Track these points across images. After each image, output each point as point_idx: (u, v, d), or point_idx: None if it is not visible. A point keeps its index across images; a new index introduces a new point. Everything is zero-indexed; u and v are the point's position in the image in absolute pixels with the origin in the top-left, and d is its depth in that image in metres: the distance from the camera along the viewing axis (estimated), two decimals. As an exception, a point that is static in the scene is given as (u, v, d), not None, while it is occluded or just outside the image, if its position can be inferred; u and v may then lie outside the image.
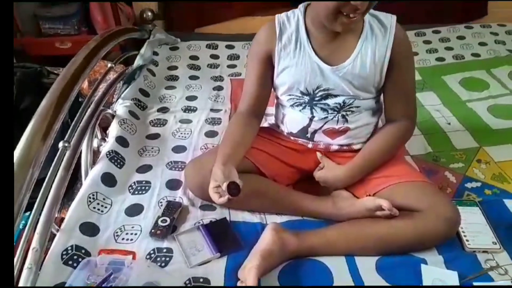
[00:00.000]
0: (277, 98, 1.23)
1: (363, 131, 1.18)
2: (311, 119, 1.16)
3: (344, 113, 1.14)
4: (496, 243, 1.06)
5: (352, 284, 0.96)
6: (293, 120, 1.20)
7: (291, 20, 1.12)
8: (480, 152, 1.44)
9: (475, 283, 0.95)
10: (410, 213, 1.04)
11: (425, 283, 0.94)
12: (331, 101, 1.12)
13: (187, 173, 1.19)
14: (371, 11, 1.07)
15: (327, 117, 1.15)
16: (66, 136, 1.16)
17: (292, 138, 1.23)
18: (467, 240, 1.07)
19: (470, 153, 1.43)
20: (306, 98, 1.14)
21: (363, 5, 0.96)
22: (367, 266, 1.00)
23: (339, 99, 1.12)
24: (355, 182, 1.15)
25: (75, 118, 1.27)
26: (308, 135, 1.19)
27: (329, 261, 1.01)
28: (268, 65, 1.15)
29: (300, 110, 1.16)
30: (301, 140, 1.22)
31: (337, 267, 0.99)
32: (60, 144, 1.09)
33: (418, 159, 1.39)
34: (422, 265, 0.98)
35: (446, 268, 1.00)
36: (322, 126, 1.16)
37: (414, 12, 2.45)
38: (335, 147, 1.20)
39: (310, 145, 1.21)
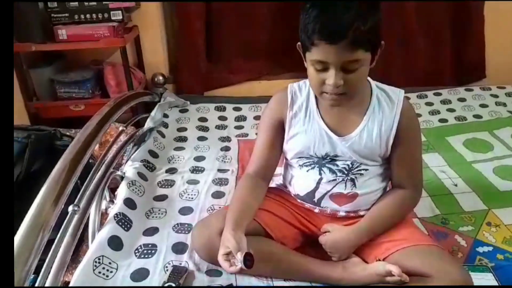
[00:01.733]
0: (286, 159, 1.25)
1: (371, 197, 1.18)
2: (318, 182, 1.17)
3: (353, 176, 1.15)
4: (511, 312, 1.03)
5: None
6: (301, 182, 1.21)
7: (302, 90, 1.18)
8: (489, 214, 1.42)
9: None
10: (420, 278, 1.01)
11: None
12: (339, 162, 1.15)
13: (194, 234, 1.18)
14: (379, 84, 1.13)
15: (335, 179, 1.15)
16: (76, 200, 1.18)
17: (299, 200, 1.24)
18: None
19: (479, 215, 1.42)
20: (315, 159, 1.16)
21: (341, 82, 0.98)
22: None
23: (348, 162, 1.14)
24: (364, 247, 1.14)
25: (86, 182, 1.29)
26: (315, 199, 1.19)
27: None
28: (279, 131, 1.19)
29: (308, 171, 1.18)
30: (308, 204, 1.22)
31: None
32: (70, 208, 1.10)
33: (427, 222, 1.38)
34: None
35: None
36: (330, 190, 1.17)
37: (413, 75, 2.55)
38: (342, 214, 1.20)
39: (316, 210, 1.21)
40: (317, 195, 1.18)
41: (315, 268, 1.13)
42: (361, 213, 1.20)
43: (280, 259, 1.14)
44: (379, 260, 1.09)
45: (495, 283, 1.11)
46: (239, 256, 0.96)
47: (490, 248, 1.28)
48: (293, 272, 1.13)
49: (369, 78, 1.14)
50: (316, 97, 1.15)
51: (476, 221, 1.39)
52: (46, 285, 0.97)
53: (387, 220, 1.16)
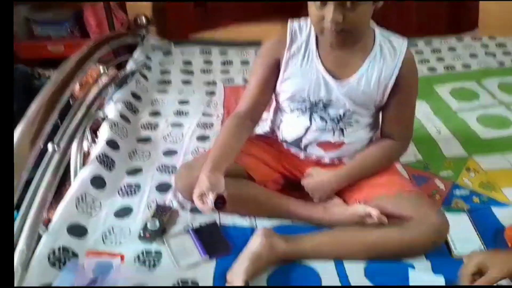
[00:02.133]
0: (277, 102, 1.23)
1: (357, 147, 1.19)
2: (307, 129, 1.16)
3: (342, 126, 1.15)
4: (482, 249, 1.07)
5: (340, 288, 0.96)
6: (290, 127, 1.20)
7: (303, 30, 1.13)
8: (469, 161, 1.45)
9: (462, 289, 0.95)
10: (399, 221, 1.04)
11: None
12: (331, 111, 1.13)
13: (177, 176, 1.18)
14: (384, 32, 1.10)
15: (325, 128, 1.15)
16: (56, 139, 1.16)
17: (285, 146, 1.24)
18: (454, 246, 1.08)
19: (460, 161, 1.45)
20: (308, 104, 1.14)
21: (340, 18, 0.95)
22: (355, 271, 1.00)
23: (340, 111, 1.13)
24: (346, 190, 1.16)
25: (65, 121, 1.26)
26: (302, 145, 1.19)
27: (318, 265, 1.01)
28: (274, 71, 1.15)
29: (298, 116, 1.17)
30: (294, 150, 1.22)
31: (326, 271, 0.99)
32: (49, 146, 1.08)
33: (409, 167, 1.40)
34: (410, 271, 0.99)
35: (433, 274, 1.00)
36: (317, 138, 1.16)
37: (405, 23, 2.49)
38: (326, 160, 1.20)
39: (302, 156, 1.21)
40: (305, 141, 1.18)
41: (296, 208, 1.15)
42: (345, 160, 1.20)
43: (261, 201, 1.15)
44: (360, 203, 1.11)
45: (469, 224, 1.15)
46: (211, 197, 0.97)
47: (467, 192, 1.31)
48: (275, 213, 1.15)
49: (374, 26, 1.11)
50: (316, 39, 1.11)
51: (456, 166, 1.42)
52: (28, 222, 0.97)
53: (370, 169, 1.17)
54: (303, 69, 1.12)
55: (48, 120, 1.05)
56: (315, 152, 1.19)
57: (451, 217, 1.10)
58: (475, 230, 1.13)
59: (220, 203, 0.98)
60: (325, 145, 1.18)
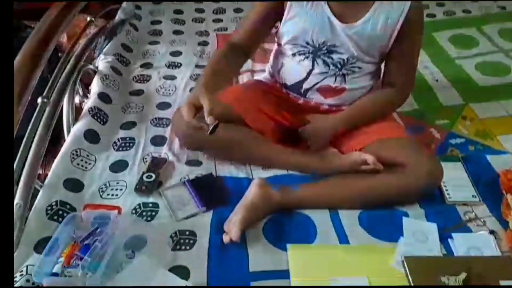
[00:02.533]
0: (279, 45, 1.19)
1: (357, 94, 1.17)
2: (309, 73, 1.14)
3: (345, 71, 1.12)
4: (475, 196, 1.09)
5: (334, 235, 0.98)
6: (291, 71, 1.17)
7: None
8: (465, 108, 1.44)
9: (454, 234, 0.98)
10: (394, 167, 1.05)
11: (405, 235, 0.97)
12: (335, 56, 1.11)
13: (175, 120, 1.18)
14: None
15: (327, 72, 1.13)
16: (45, 92, 1.12)
17: (284, 90, 1.21)
18: (448, 194, 1.09)
19: (456, 109, 1.44)
20: (311, 49, 1.11)
21: None
22: (350, 218, 1.02)
23: (344, 56, 1.10)
24: (341, 137, 1.15)
25: (54, 74, 1.22)
26: (302, 90, 1.17)
27: (313, 214, 1.03)
28: (276, 10, 1.11)
29: (299, 61, 1.14)
30: (293, 94, 1.20)
31: (321, 219, 1.01)
32: (39, 100, 1.06)
33: (405, 116, 1.39)
34: (404, 218, 1.01)
35: (427, 221, 1.02)
36: (318, 82, 1.14)
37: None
38: (325, 107, 1.19)
39: (301, 101, 1.20)
40: (305, 85, 1.16)
41: (292, 157, 1.15)
42: (344, 108, 1.19)
43: (257, 148, 1.15)
44: (356, 150, 1.11)
45: (463, 171, 1.16)
46: (210, 121, 0.91)
47: (463, 140, 1.31)
48: (270, 162, 1.16)
49: None
50: None
51: (452, 115, 1.42)
52: (22, 176, 0.96)
53: (368, 116, 1.16)
54: (308, 10, 1.08)
55: (35, 72, 1.01)
56: (315, 97, 1.18)
57: (446, 166, 1.10)
58: (469, 178, 1.14)
59: (215, 129, 0.93)
60: (326, 91, 1.16)
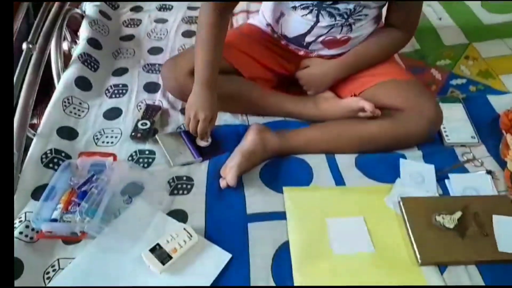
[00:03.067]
0: None
1: (361, 40, 1.10)
2: (313, 26, 1.06)
3: (352, 21, 1.05)
4: (474, 137, 1.08)
5: (330, 178, 0.98)
6: (292, 24, 1.08)
7: None
8: (469, 48, 1.40)
9: (450, 175, 0.98)
10: (393, 112, 1.02)
11: (402, 176, 0.97)
12: (341, 6, 1.01)
13: (163, 76, 1.14)
14: None
15: (332, 24, 1.04)
16: (30, 37, 1.08)
17: (283, 42, 1.15)
18: (446, 135, 1.08)
19: (459, 49, 1.40)
20: (314, 1, 1.01)
21: None
22: (346, 162, 1.01)
23: (350, 5, 1.01)
24: (340, 82, 1.12)
25: (37, 18, 1.16)
26: (305, 43, 1.10)
27: (309, 158, 1.02)
28: None
29: (302, 16, 1.05)
30: (293, 46, 1.13)
31: (317, 163, 1.01)
32: (24, 46, 1.01)
33: (405, 57, 1.35)
34: (401, 159, 1.00)
35: (424, 162, 1.02)
36: (323, 35, 1.07)
37: None
38: (327, 57, 1.13)
39: (301, 52, 1.13)
40: (308, 39, 1.09)
41: (287, 104, 1.12)
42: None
43: (251, 97, 1.11)
44: (354, 95, 1.08)
45: (463, 112, 1.14)
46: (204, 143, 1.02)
47: (464, 81, 1.28)
48: (265, 110, 1.13)
49: None
50: None
51: (454, 55, 1.37)
52: (14, 126, 0.94)
53: (372, 59, 1.10)
54: None
55: (16, 16, 0.96)
56: (318, 49, 1.11)
57: (445, 107, 1.09)
58: (469, 119, 1.12)
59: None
60: (330, 42, 1.09)
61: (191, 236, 0.82)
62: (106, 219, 0.83)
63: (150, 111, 1.11)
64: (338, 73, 1.10)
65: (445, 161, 1.02)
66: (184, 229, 0.83)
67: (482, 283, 0.79)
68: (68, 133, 1.04)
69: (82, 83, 1.16)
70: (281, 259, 0.82)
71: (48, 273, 0.78)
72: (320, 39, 1.08)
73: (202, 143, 1.03)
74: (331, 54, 1.12)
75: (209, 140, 1.03)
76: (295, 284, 0.78)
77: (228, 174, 0.92)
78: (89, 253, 0.80)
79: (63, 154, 0.98)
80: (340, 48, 1.11)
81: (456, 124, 1.11)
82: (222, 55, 1.03)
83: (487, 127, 1.11)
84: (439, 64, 1.34)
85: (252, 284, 0.78)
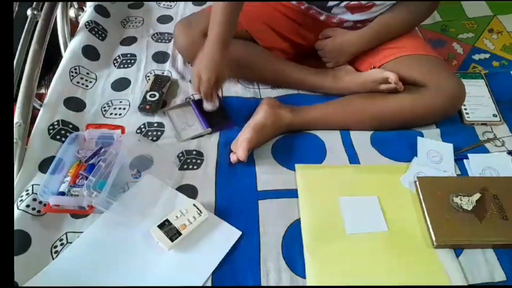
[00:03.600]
0: None
1: (383, 9, 1.03)
2: None
3: None
4: (496, 116, 1.03)
5: (344, 155, 0.95)
6: None
7: None
8: (493, 21, 1.32)
9: (469, 155, 0.94)
10: (414, 88, 0.98)
11: (419, 155, 0.93)
12: None
13: (176, 35, 1.09)
14: None
15: None
16: (34, 3, 1.03)
17: (303, 7, 1.07)
18: (466, 113, 1.04)
19: (483, 22, 1.33)
20: None
21: None
22: (361, 139, 0.98)
23: None
24: (358, 55, 1.06)
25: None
26: (328, 5, 1.03)
27: (323, 134, 0.99)
28: None
29: None
30: (315, 10, 1.06)
31: (331, 140, 0.97)
32: (29, 12, 0.97)
33: (425, 29, 1.29)
34: (418, 138, 0.96)
35: (442, 141, 0.98)
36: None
37: None
38: (349, 24, 1.06)
39: (322, 17, 1.07)
40: (331, 2, 1.02)
41: (304, 76, 1.08)
42: (368, 23, 1.06)
43: (266, 66, 1.07)
44: (374, 67, 1.03)
45: (485, 89, 1.09)
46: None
47: (487, 55, 1.22)
48: (281, 80, 1.09)
49: None
50: None
51: (478, 27, 1.31)
52: (20, 95, 0.92)
53: (395, 30, 1.04)
54: None
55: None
56: (340, 13, 1.05)
57: (466, 83, 1.03)
58: (491, 96, 1.07)
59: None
60: (354, 7, 1.02)
61: (201, 212, 0.80)
62: (114, 194, 0.81)
63: (159, 82, 1.07)
64: (361, 44, 1.05)
65: (464, 140, 0.98)
66: (194, 205, 0.81)
67: (499, 268, 0.76)
68: (75, 104, 1.02)
69: (90, 52, 1.12)
70: (292, 237, 0.80)
71: (56, 246, 0.77)
72: (344, 3, 1.02)
73: (208, 106, 0.98)
74: (353, 19, 1.05)
75: (216, 104, 0.98)
76: (307, 265, 0.77)
77: (239, 149, 0.89)
78: (97, 227, 0.79)
79: (70, 126, 0.96)
80: (363, 14, 1.04)
81: (477, 101, 1.06)
82: (238, 18, 0.97)
83: (509, 105, 1.06)
84: (461, 37, 1.28)
85: (262, 263, 0.77)
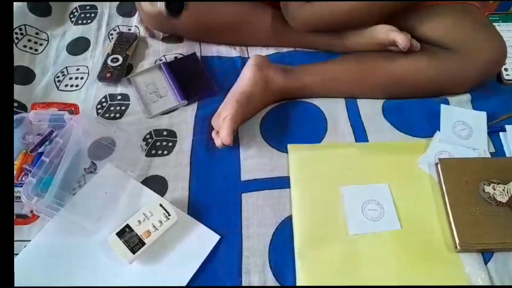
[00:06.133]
0: None
1: None
2: None
3: None
4: (543, 73, 0.82)
5: (349, 130, 0.77)
6: None
7: None
8: None
9: (507, 126, 0.75)
10: (438, 50, 0.76)
11: (443, 129, 0.75)
12: None
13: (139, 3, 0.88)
14: None
15: None
16: None
17: None
18: (505, 69, 0.83)
19: None
20: None
21: None
22: (371, 109, 0.79)
23: None
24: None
25: None
26: None
27: (323, 103, 0.80)
28: None
29: None
30: None
31: (333, 110, 0.79)
32: None
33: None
34: (442, 105, 0.77)
35: (473, 108, 0.79)
36: None
37: None
38: None
39: None
40: None
41: (300, 34, 0.86)
42: None
43: (256, 25, 0.87)
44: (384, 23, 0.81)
45: (530, 36, 0.86)
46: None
47: (535, -11, 0.97)
48: (273, 39, 0.89)
49: None
50: None
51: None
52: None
53: None
54: None
55: None
56: None
57: (505, 29, 0.81)
58: (539, 44, 0.85)
59: (175, 6, 0.69)
60: None
61: (169, 214, 0.65)
62: (63, 195, 0.66)
63: (124, 42, 0.88)
64: None
65: (501, 106, 0.79)
66: (161, 205, 0.66)
67: (539, 279, 0.61)
68: (22, 75, 0.84)
69: (38, 7, 0.92)
70: (282, 240, 0.66)
71: (-3, 261, 0.65)
72: None
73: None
74: None
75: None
76: (298, 274, 0.63)
77: (222, 130, 0.71)
78: (47, 235, 0.66)
79: (16, 105, 0.80)
80: None
81: (519, 53, 0.84)
82: None
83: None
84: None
85: (244, 274, 0.63)
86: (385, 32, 0.77)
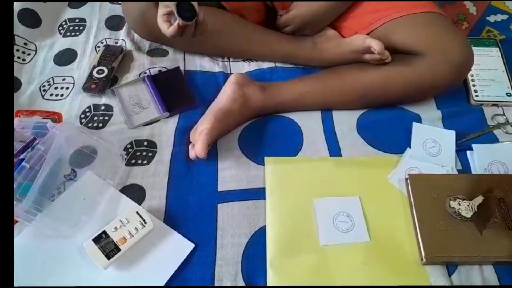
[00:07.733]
0: None
1: None
2: None
3: None
4: (510, 95, 0.86)
5: (324, 145, 0.80)
6: None
7: None
8: (515, -28, 1.10)
9: (474, 145, 0.79)
10: (409, 57, 0.80)
11: (414, 145, 0.78)
12: None
13: (124, 8, 0.91)
14: None
15: None
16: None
17: None
18: (475, 91, 0.87)
19: (502, -27, 1.10)
20: None
21: None
22: (346, 123, 0.82)
23: None
24: (343, 20, 0.88)
25: None
26: None
27: (300, 117, 0.83)
28: None
29: None
30: None
31: (309, 125, 0.82)
32: None
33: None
34: (414, 124, 0.81)
35: (443, 126, 0.82)
36: None
37: None
38: None
39: None
40: None
41: (279, 44, 0.90)
42: None
43: (236, 33, 0.90)
44: (359, 32, 0.86)
45: (499, 60, 0.91)
46: (173, 6, 0.68)
47: (505, 17, 1.02)
48: (253, 49, 0.92)
49: None
50: None
51: (496, -19, 1.09)
52: None
53: None
54: None
55: None
56: None
57: (477, 52, 0.87)
58: (506, 70, 0.89)
59: (187, 12, 0.69)
60: None
61: (145, 222, 0.67)
62: (42, 201, 0.68)
63: (110, 55, 0.91)
64: (336, 7, 0.86)
65: (470, 125, 0.83)
66: (137, 213, 0.68)
67: (499, 291, 0.64)
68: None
69: (28, 18, 0.95)
70: (255, 250, 0.68)
71: (-28, 265, 0.66)
72: None
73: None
74: None
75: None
76: (269, 283, 0.65)
77: (197, 143, 0.74)
78: (24, 238, 0.67)
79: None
80: None
81: (488, 76, 0.89)
82: None
83: (528, 78, 0.89)
84: (476, -6, 1.07)
85: (216, 282, 0.65)
86: (362, 39, 0.81)
